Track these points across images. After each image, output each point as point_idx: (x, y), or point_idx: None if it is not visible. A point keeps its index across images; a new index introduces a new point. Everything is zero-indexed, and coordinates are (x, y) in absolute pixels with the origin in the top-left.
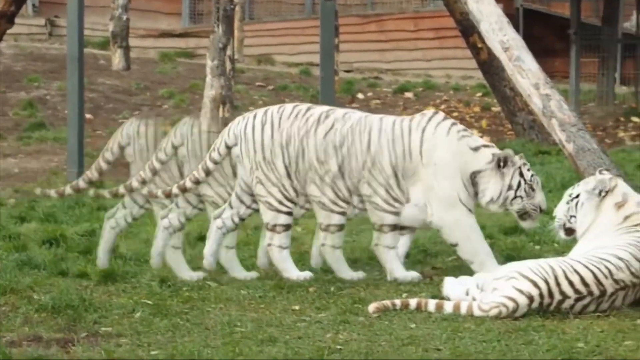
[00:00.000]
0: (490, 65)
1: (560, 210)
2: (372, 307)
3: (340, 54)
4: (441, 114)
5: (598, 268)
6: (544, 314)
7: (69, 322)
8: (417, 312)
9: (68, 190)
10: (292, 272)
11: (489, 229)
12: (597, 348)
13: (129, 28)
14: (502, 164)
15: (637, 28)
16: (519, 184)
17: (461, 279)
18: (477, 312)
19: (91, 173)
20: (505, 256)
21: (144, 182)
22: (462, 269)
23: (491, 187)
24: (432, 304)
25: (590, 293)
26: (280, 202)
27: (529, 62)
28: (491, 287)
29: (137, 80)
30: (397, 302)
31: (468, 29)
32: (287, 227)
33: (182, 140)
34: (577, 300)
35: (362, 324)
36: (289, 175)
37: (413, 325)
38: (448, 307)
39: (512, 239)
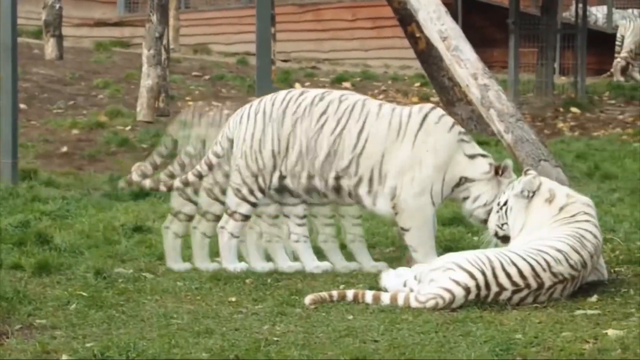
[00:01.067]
0: (428, 55)
1: (492, 221)
2: (308, 299)
3: (277, 44)
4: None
5: (536, 260)
6: (482, 305)
7: (2, 314)
8: (355, 304)
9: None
10: (231, 262)
11: None
12: (535, 339)
13: (62, 17)
14: (501, 172)
15: (576, 18)
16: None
17: (399, 271)
18: (414, 304)
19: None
20: (444, 247)
21: (200, 176)
22: (400, 260)
23: (486, 193)
24: (369, 296)
25: (528, 285)
26: (251, 192)
27: (468, 52)
28: (428, 278)
29: (72, 70)
30: (334, 293)
31: (406, 18)
32: (246, 217)
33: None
34: (514, 292)
35: (299, 316)
36: (275, 166)
37: (350, 317)
38: (385, 298)
39: (450, 229)
